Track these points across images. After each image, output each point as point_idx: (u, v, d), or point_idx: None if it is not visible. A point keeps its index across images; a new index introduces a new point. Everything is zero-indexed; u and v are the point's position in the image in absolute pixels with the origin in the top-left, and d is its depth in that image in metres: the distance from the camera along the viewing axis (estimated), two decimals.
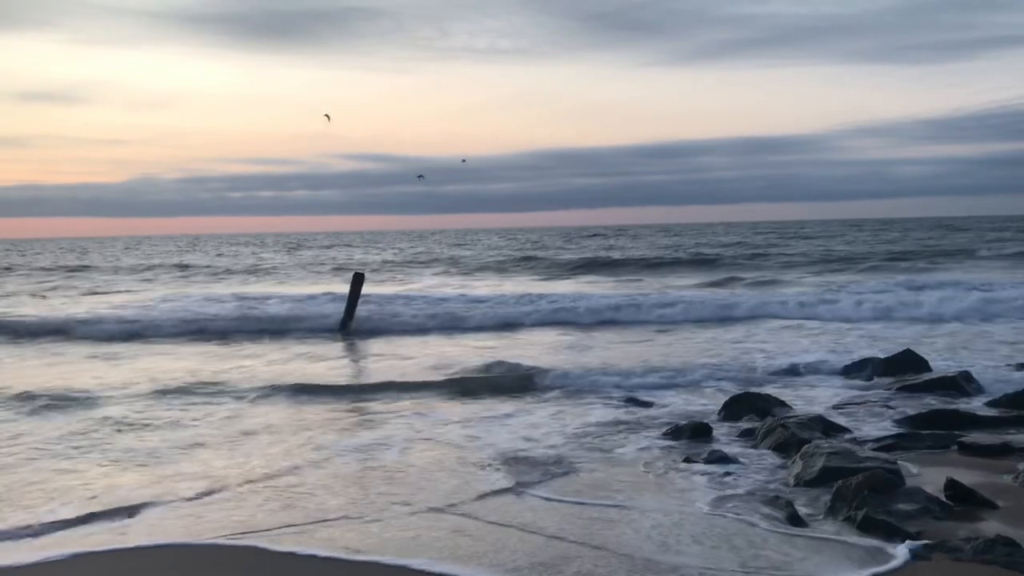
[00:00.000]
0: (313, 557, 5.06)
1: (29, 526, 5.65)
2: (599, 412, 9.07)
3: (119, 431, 8.41)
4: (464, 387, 10.58)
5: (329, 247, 73.40)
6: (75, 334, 16.85)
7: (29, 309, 22.18)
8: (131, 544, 5.35)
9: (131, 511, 5.92)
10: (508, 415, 8.99)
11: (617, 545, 5.10)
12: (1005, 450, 6.94)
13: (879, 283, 24.50)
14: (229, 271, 42.02)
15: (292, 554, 5.11)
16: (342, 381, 11.36)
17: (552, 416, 8.95)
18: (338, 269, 41.35)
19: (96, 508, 5.98)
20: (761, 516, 5.57)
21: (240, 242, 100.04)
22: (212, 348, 15.26)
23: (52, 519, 5.77)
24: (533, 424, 8.56)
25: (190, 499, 6.18)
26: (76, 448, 7.72)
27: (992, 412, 8.40)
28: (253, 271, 41.60)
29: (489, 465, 7.00)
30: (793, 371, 11.13)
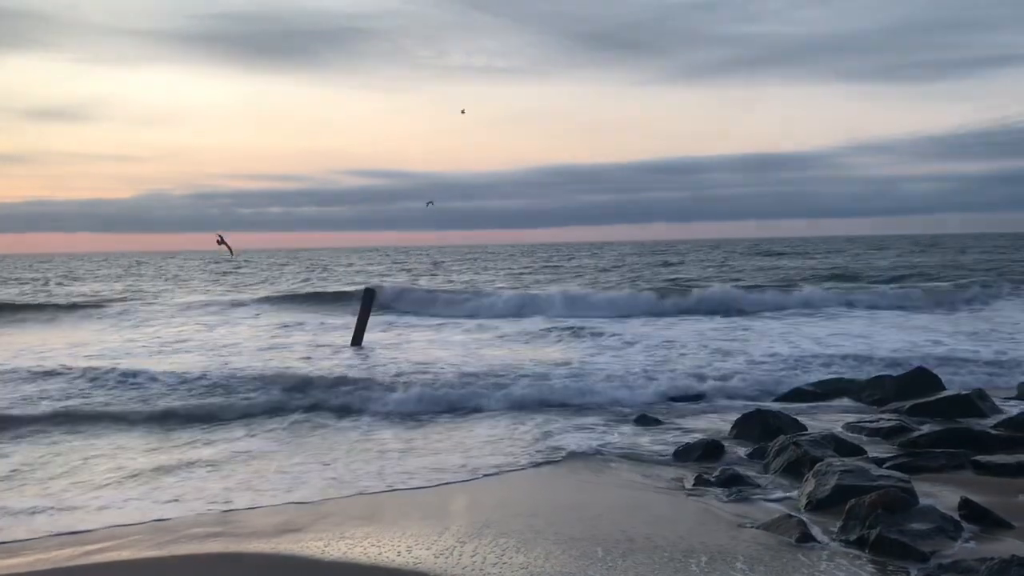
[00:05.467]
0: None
1: None
2: None
3: None
4: None
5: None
6: None
7: None
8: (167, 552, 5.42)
9: None
10: None
11: (624, 567, 5.08)
12: (1020, 470, 6.87)
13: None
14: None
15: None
16: None
17: None
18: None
19: None
20: (773, 534, 5.54)
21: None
22: None
23: None
24: None
25: None
26: None
27: (1007, 431, 8.32)
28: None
29: None
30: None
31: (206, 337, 18.65)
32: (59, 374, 12.94)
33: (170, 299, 30.51)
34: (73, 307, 27.01)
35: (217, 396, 11.35)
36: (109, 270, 65.52)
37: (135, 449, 8.71)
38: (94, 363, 13.93)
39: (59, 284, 44.35)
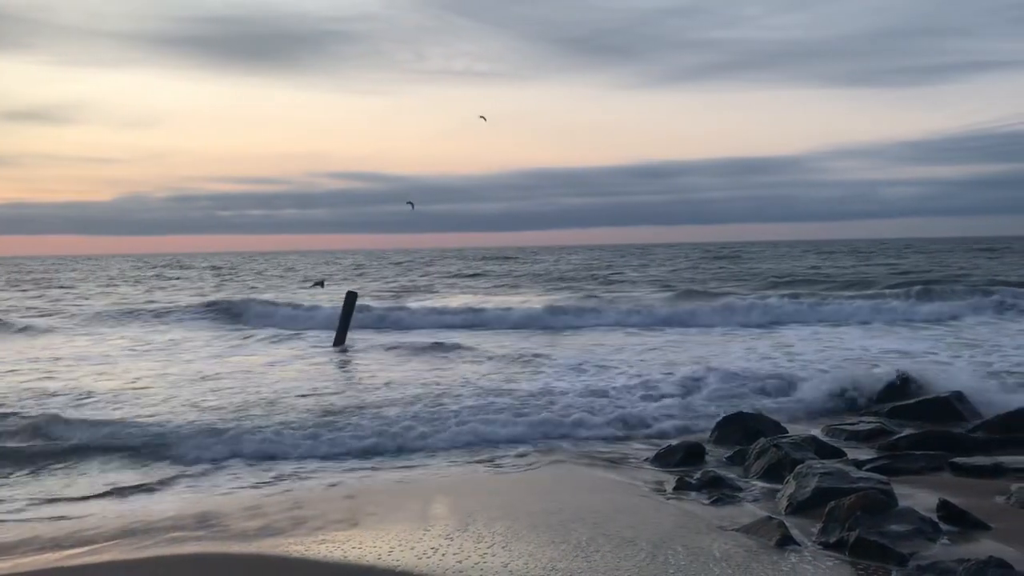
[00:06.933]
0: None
1: None
2: None
3: None
4: None
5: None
6: None
7: None
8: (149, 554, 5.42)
9: None
10: None
11: (604, 570, 5.09)
12: (997, 471, 6.94)
13: None
14: None
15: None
16: None
17: None
18: None
19: None
20: (754, 537, 5.56)
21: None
22: None
23: None
24: None
25: None
26: None
27: (984, 433, 8.40)
28: None
29: None
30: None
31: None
32: None
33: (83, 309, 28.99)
34: None
35: None
36: (72, 274, 64.43)
37: None
38: None
39: None
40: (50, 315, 27.02)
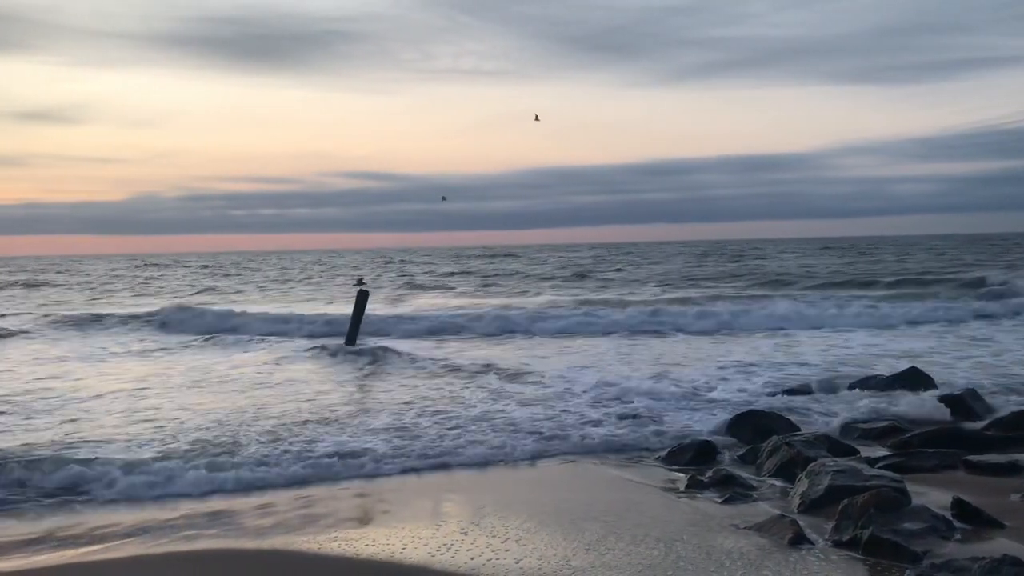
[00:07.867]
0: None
1: None
2: None
3: None
4: None
5: None
6: None
7: None
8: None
9: None
10: None
11: (617, 566, 5.09)
12: (1012, 469, 6.91)
13: None
14: None
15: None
16: None
17: None
18: None
19: None
20: (766, 535, 5.55)
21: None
22: None
23: None
24: None
25: None
26: None
27: (999, 431, 8.35)
28: None
29: None
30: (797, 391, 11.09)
31: None
32: None
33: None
34: None
35: None
36: (57, 275, 63.82)
37: None
38: None
39: None
40: None
